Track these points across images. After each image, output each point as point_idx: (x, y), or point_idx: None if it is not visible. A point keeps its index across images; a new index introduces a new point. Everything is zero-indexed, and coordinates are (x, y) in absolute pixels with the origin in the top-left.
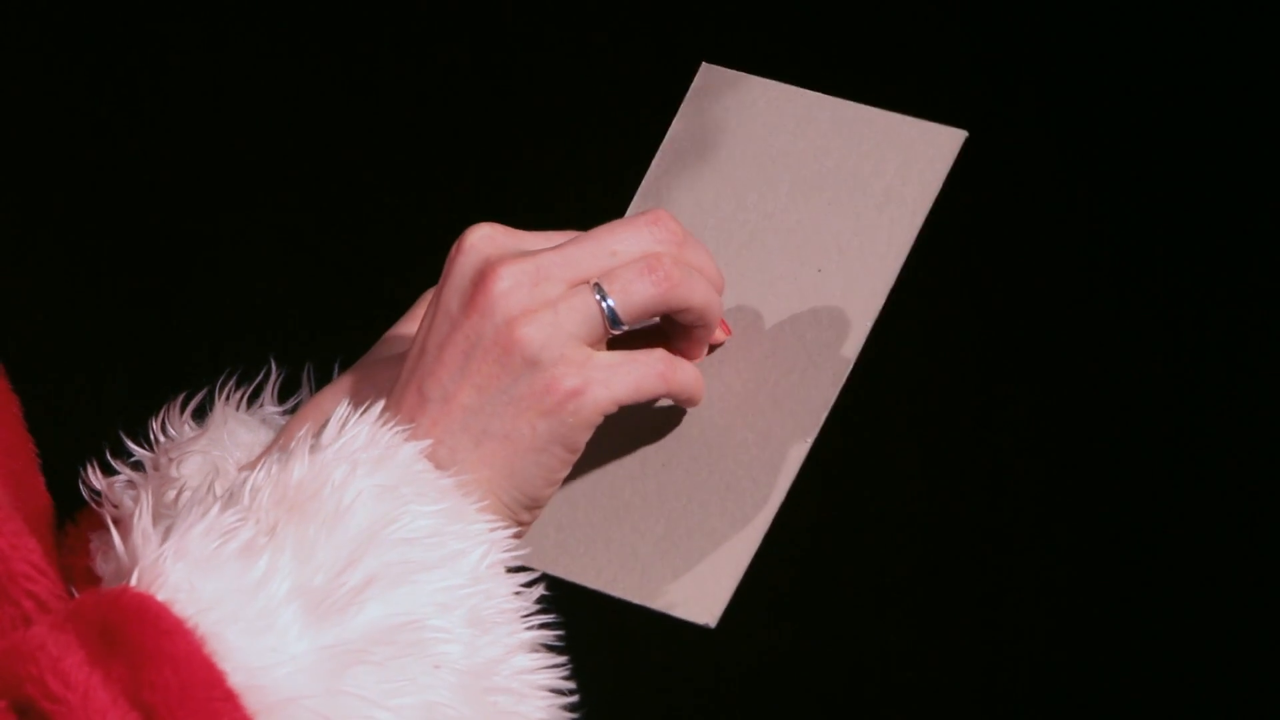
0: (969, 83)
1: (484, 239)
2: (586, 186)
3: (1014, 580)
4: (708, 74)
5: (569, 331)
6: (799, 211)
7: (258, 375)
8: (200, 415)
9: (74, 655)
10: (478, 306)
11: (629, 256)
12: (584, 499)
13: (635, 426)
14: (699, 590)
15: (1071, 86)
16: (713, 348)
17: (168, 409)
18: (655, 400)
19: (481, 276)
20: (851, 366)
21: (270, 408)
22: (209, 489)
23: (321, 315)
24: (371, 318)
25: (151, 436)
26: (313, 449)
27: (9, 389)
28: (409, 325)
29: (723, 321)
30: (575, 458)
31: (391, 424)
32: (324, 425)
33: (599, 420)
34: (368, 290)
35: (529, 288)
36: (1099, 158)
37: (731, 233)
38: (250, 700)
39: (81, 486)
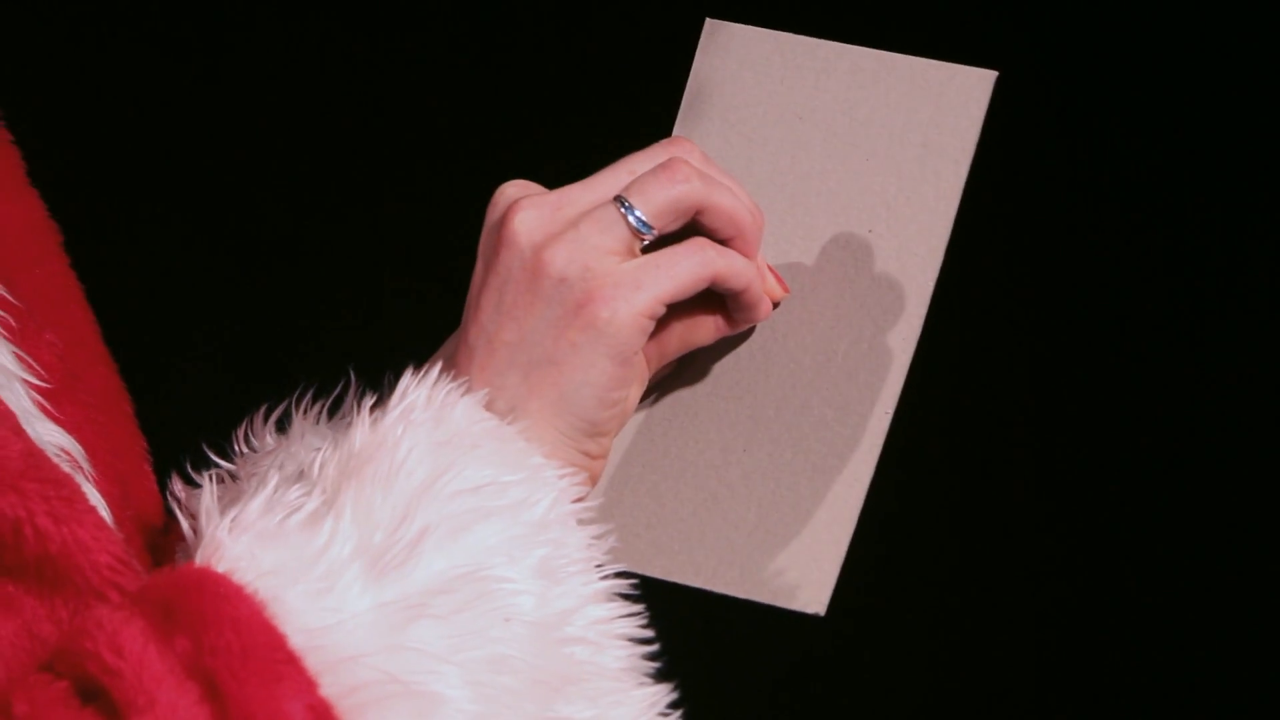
0: (975, 18)
1: (512, 185)
2: (602, 159)
3: (1110, 556)
4: (714, 30)
5: (593, 244)
6: (837, 171)
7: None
8: (285, 424)
9: (131, 628)
10: (504, 242)
11: (645, 172)
12: (670, 493)
13: (708, 409)
14: (803, 578)
15: (1095, 15)
16: (774, 306)
17: (250, 420)
18: (729, 360)
19: (505, 215)
20: (920, 331)
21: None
22: (275, 470)
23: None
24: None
25: (236, 448)
26: (374, 419)
27: (122, 388)
28: None
29: (779, 278)
30: (631, 374)
31: (444, 382)
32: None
33: (645, 325)
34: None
35: (550, 215)
36: (1138, 92)
37: (771, 198)
38: (312, 661)
39: (169, 496)
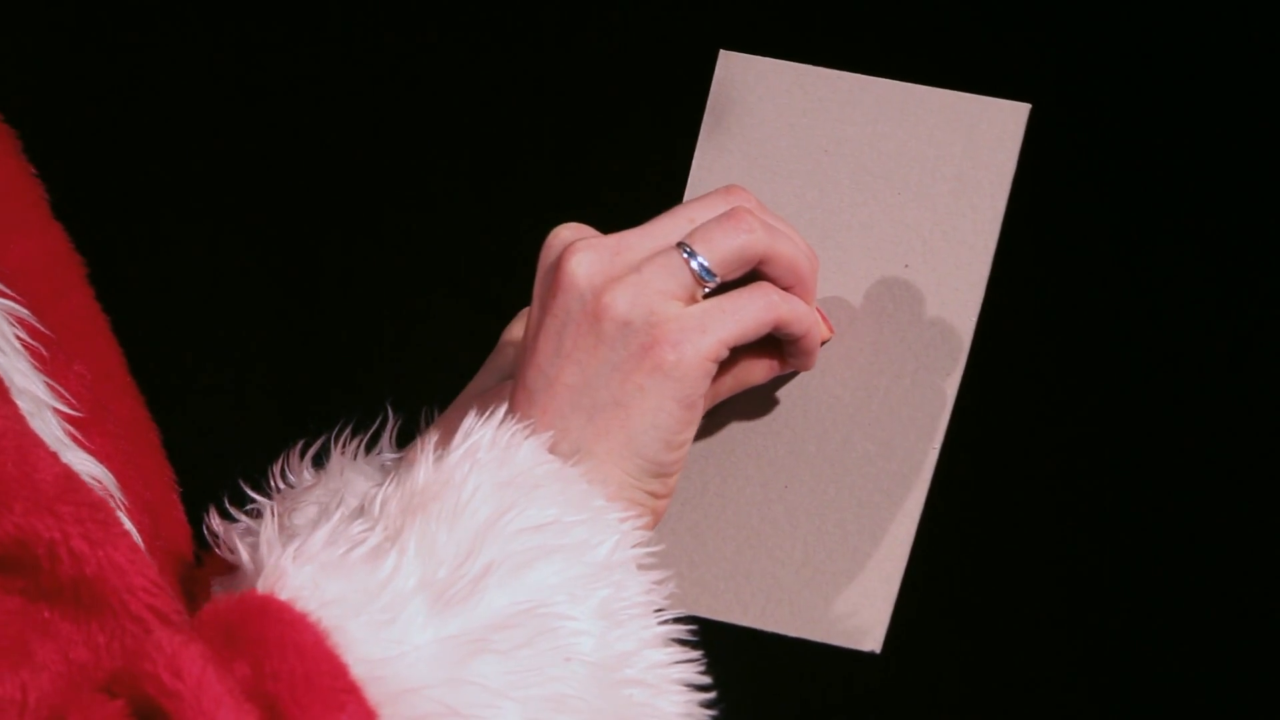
0: (999, 50)
1: (566, 229)
2: (624, 194)
3: (1174, 578)
4: (728, 62)
5: (657, 289)
6: (869, 206)
7: (374, 422)
8: (321, 460)
9: (190, 650)
10: (561, 285)
11: (708, 220)
12: (712, 531)
13: (746, 445)
14: (856, 616)
15: (1120, 46)
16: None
17: (287, 455)
18: (766, 397)
19: (561, 258)
20: (964, 366)
21: (388, 454)
22: (338, 505)
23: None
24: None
25: (272, 483)
26: (438, 458)
27: (149, 418)
28: (517, 328)
29: (824, 317)
30: (695, 416)
31: (509, 424)
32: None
33: (709, 368)
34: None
35: (610, 259)
36: (1170, 119)
37: (801, 233)
38: (372, 691)
39: (206, 531)
